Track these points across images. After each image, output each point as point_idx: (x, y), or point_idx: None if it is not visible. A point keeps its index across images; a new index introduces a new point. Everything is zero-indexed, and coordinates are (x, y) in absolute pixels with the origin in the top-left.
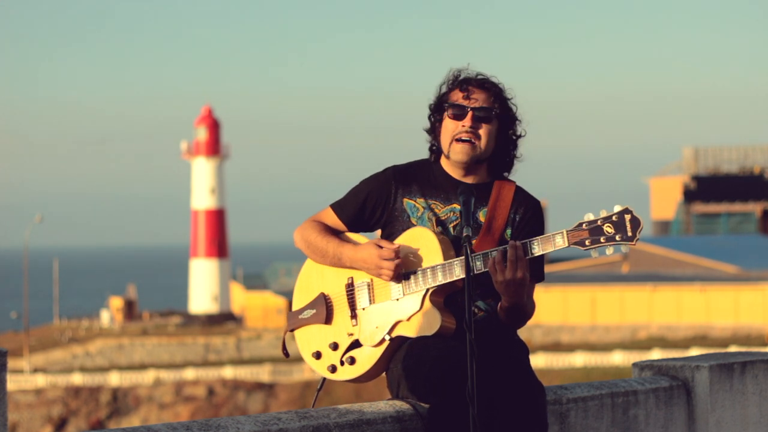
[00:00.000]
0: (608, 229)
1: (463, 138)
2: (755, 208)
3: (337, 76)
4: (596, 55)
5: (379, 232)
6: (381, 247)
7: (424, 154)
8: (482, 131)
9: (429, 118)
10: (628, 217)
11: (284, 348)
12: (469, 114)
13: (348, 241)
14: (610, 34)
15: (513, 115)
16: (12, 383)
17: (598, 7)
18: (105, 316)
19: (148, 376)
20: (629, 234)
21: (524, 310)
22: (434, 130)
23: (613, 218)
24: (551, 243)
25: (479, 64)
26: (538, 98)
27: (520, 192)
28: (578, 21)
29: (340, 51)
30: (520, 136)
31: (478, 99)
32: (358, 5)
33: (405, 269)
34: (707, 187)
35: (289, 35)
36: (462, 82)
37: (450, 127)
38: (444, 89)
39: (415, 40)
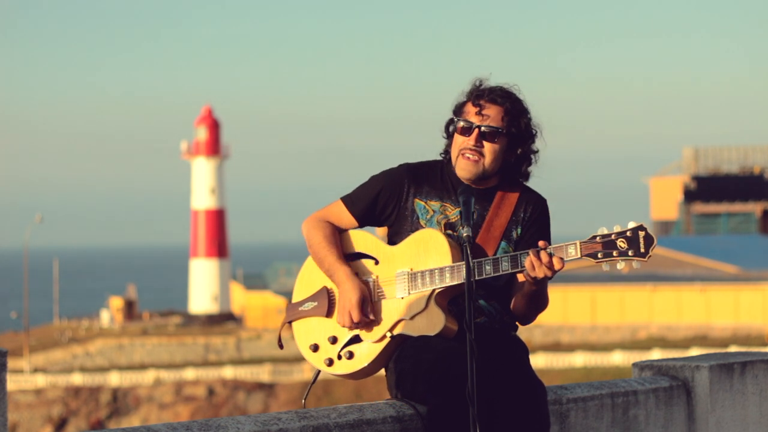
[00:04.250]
0: (622, 244)
1: (467, 155)
2: (755, 208)
3: (338, 76)
4: (596, 55)
5: (385, 229)
6: (364, 305)
7: (426, 153)
8: (486, 149)
9: (446, 124)
10: (642, 233)
11: (279, 340)
12: (475, 132)
13: (349, 259)
14: (610, 34)
15: (526, 132)
16: (12, 383)
17: (598, 7)
18: (105, 316)
19: (148, 376)
20: (642, 250)
21: (545, 292)
22: (449, 138)
23: (628, 234)
24: (564, 253)
25: (480, 64)
26: (538, 98)
27: (526, 191)
28: (578, 21)
29: (340, 50)
30: (533, 152)
31: (488, 116)
32: (362, 6)
33: (414, 269)
34: (707, 187)
35: (290, 35)
36: (476, 96)
37: (458, 141)
38: (462, 99)
39: (415, 38)
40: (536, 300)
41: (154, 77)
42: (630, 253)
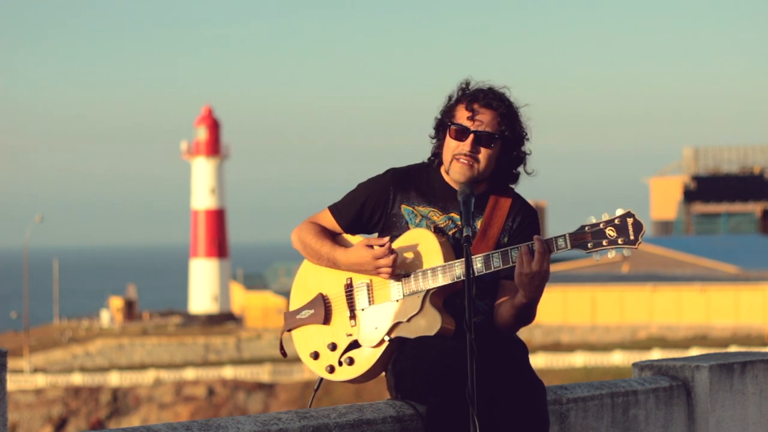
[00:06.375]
0: (610, 232)
1: (462, 160)
2: (755, 208)
3: (338, 76)
4: (596, 55)
5: (376, 235)
6: (372, 247)
7: (425, 155)
8: (481, 155)
9: (435, 126)
10: (630, 220)
11: (282, 348)
12: (471, 137)
13: (343, 243)
14: (610, 34)
15: (519, 135)
16: (12, 383)
17: (598, 6)
18: (105, 316)
19: (148, 376)
20: (631, 237)
21: (535, 308)
22: (438, 139)
23: (616, 221)
24: (554, 246)
25: (479, 63)
26: (538, 98)
27: (517, 200)
28: (578, 20)
29: (340, 51)
30: (525, 155)
31: (483, 121)
32: (360, 5)
33: (405, 270)
34: (707, 187)
35: (290, 35)
36: (470, 99)
37: (451, 145)
38: (452, 101)
39: (417, 40)
40: (525, 312)
41: (154, 77)
42: (620, 241)
